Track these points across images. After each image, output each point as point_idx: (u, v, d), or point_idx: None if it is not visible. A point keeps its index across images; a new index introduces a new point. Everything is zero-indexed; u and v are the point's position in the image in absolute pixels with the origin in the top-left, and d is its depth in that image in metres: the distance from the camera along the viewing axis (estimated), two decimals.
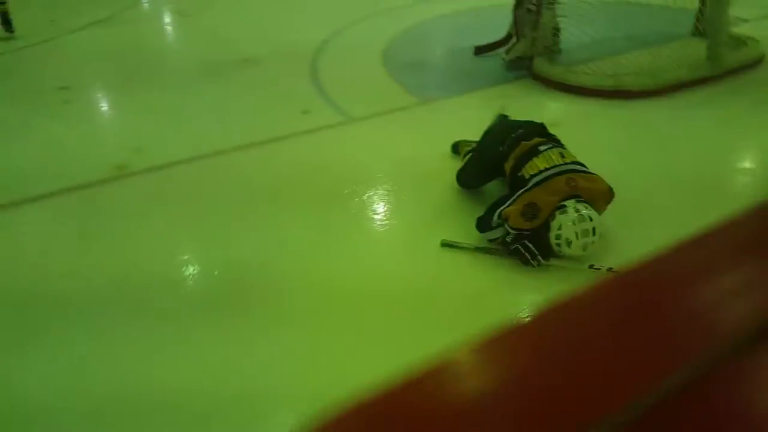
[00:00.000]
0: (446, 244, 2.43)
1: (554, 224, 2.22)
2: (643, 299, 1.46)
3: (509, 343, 1.22)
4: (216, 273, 2.37)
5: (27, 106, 4.00)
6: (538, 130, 2.58)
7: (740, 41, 4.34)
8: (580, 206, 2.21)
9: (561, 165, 2.32)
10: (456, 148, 3.09)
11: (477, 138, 2.86)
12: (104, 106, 4.19)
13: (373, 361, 1.87)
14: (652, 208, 2.63)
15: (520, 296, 2.22)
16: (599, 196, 2.31)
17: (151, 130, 3.62)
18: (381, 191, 2.92)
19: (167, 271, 2.38)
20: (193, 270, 2.40)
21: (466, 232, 2.47)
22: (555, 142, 2.50)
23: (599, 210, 2.28)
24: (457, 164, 2.90)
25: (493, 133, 2.70)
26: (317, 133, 3.50)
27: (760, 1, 5.56)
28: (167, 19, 6.28)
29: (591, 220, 2.19)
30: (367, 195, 2.87)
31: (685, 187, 2.80)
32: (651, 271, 1.60)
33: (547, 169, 2.30)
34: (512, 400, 1.08)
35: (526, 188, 2.30)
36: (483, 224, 2.40)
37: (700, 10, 4.43)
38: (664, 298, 1.47)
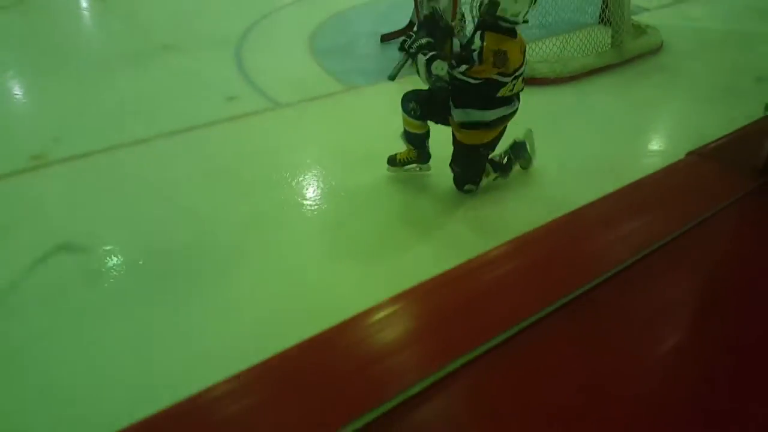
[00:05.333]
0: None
1: None
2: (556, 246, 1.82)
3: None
4: (141, 262, 2.35)
5: None
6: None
7: (641, 29, 4.68)
8: None
9: None
10: (393, 160, 2.91)
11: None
12: (17, 95, 3.98)
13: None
14: (565, 185, 2.85)
15: None
16: None
17: (68, 119, 3.49)
18: (310, 177, 2.98)
19: (88, 262, 2.34)
20: (116, 260, 2.36)
21: (396, 216, 2.62)
22: None
23: None
24: (387, 149, 2.99)
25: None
26: (244, 119, 3.50)
27: None
28: (81, 4, 5.98)
29: None
30: (296, 181, 2.92)
31: (600, 167, 3.03)
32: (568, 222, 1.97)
33: None
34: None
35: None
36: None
37: (605, 0, 4.74)
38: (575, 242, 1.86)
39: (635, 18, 4.69)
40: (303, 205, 2.75)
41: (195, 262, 2.35)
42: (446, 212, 2.69)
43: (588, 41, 4.28)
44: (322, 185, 2.91)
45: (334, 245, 2.49)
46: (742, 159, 2.36)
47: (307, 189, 2.88)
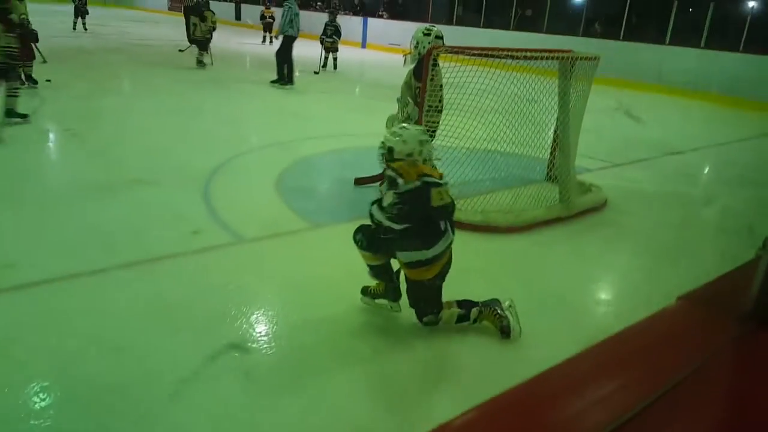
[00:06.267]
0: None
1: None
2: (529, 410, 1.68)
3: None
4: (90, 397, 2.21)
5: None
6: None
7: (586, 187, 5.10)
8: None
9: None
10: (365, 290, 3.04)
11: None
12: None
13: None
14: (526, 333, 2.86)
15: None
16: None
17: (25, 246, 3.44)
18: (270, 313, 2.95)
19: (25, 400, 2.18)
20: (53, 398, 2.21)
21: (354, 355, 2.59)
22: None
23: None
24: (348, 287, 3.04)
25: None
26: (206, 253, 3.53)
27: (598, 155, 6.62)
28: (54, 137, 6.16)
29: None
30: (255, 316, 2.89)
31: (552, 316, 3.13)
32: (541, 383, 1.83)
33: None
34: None
35: None
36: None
37: (551, 160, 5.21)
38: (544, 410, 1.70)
39: (579, 177, 5.12)
40: (258, 341, 2.69)
41: (141, 402, 2.22)
42: (406, 351, 2.67)
43: (537, 195, 4.61)
44: (280, 321, 2.88)
45: (285, 387, 2.40)
46: (731, 303, 2.38)
47: (264, 325, 2.83)
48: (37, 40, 8.02)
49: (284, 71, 9.94)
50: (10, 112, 6.11)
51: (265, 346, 2.66)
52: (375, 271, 2.86)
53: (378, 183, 4.86)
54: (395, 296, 2.92)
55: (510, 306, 2.87)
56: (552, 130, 5.05)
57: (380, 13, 23.22)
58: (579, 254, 4.03)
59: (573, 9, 18.45)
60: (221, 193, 4.58)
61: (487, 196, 4.42)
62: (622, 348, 2.13)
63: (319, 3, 26.89)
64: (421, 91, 4.30)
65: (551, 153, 5.24)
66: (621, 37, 14.34)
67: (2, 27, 6.00)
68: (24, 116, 6.28)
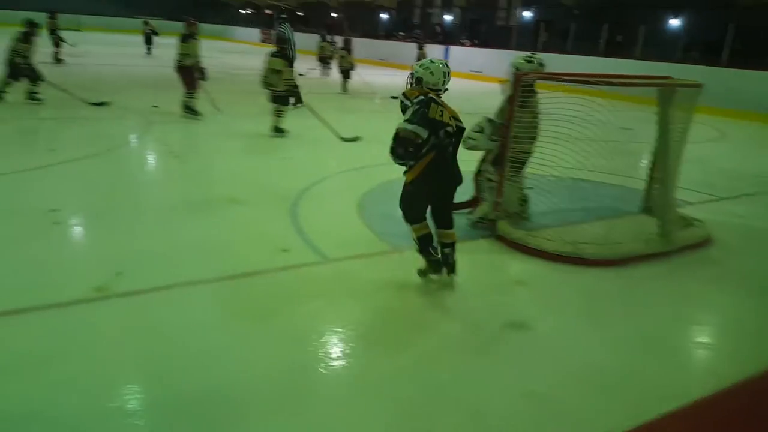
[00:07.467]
0: None
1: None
2: None
3: None
4: (181, 403, 2.31)
5: (17, 225, 4.09)
6: None
7: (688, 221, 4.75)
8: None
9: None
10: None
11: None
12: (91, 231, 4.27)
13: None
14: (624, 375, 2.73)
15: None
16: None
17: (132, 256, 3.69)
18: (353, 331, 2.97)
19: (131, 401, 2.33)
20: (154, 400, 2.34)
21: (429, 372, 2.58)
22: None
23: None
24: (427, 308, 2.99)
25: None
26: (294, 270, 3.64)
27: (700, 187, 6.21)
28: (159, 158, 6.60)
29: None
30: (338, 334, 2.93)
31: (651, 359, 2.92)
32: None
33: None
34: None
35: None
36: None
37: (647, 191, 4.91)
38: None
39: (679, 210, 4.79)
40: (342, 357, 2.72)
41: (235, 408, 2.30)
42: (497, 388, 2.60)
43: (633, 228, 4.35)
44: (363, 342, 2.88)
45: (367, 401, 2.42)
46: None
47: (349, 344, 2.85)
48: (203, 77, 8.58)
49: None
50: (277, 129, 7.78)
51: (344, 363, 2.68)
52: (422, 243, 3.38)
53: (467, 210, 4.78)
54: (437, 268, 3.45)
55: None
56: (647, 159, 4.80)
57: (462, 40, 23.37)
58: (681, 293, 3.75)
59: (668, 34, 17.70)
60: (307, 213, 4.70)
61: (577, 227, 4.24)
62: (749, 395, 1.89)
63: (400, 33, 27.46)
64: (508, 116, 4.22)
65: (648, 184, 4.95)
66: (723, 64, 13.53)
67: (285, 63, 7.37)
68: (283, 131, 7.78)
